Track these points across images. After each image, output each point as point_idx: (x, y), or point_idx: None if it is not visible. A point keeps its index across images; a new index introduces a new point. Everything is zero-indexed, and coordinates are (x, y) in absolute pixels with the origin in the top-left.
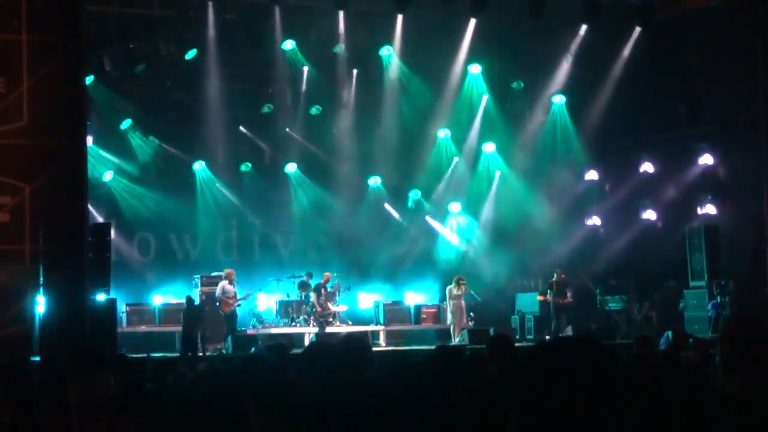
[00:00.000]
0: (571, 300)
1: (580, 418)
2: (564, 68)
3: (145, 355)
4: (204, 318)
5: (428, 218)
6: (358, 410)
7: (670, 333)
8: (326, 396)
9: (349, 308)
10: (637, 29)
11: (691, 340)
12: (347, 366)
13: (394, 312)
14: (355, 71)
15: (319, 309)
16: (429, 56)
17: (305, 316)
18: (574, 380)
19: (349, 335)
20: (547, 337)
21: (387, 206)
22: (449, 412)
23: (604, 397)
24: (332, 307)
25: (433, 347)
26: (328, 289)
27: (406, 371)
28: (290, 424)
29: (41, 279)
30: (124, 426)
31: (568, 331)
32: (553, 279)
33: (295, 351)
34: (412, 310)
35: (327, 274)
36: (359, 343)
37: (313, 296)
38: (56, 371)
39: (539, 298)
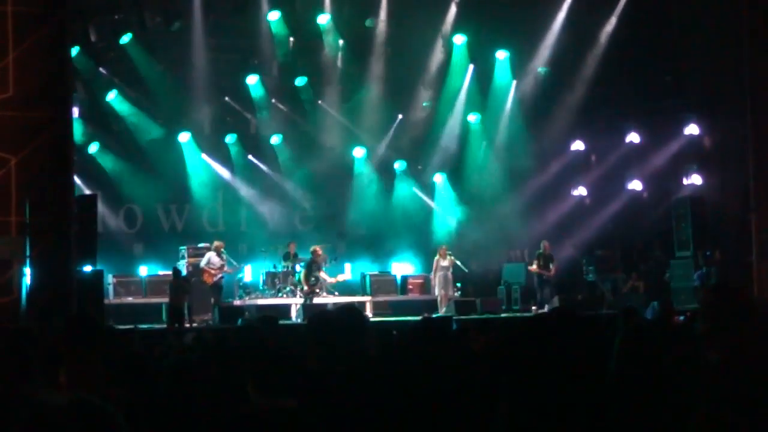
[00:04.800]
0: (553, 273)
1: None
2: (550, 38)
3: (132, 326)
4: (191, 289)
5: (415, 189)
6: (353, 383)
7: (656, 303)
8: (324, 367)
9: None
10: None
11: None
12: (345, 337)
13: (380, 283)
14: (341, 42)
15: (307, 288)
16: (415, 27)
17: (292, 287)
18: (560, 353)
19: (346, 306)
20: (534, 307)
21: (373, 177)
22: (437, 385)
23: (589, 369)
24: (329, 278)
25: (419, 318)
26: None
27: (392, 343)
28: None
29: (28, 251)
30: (117, 399)
31: (555, 302)
32: (541, 252)
33: (282, 322)
34: (399, 281)
35: (318, 249)
36: (356, 314)
37: (302, 272)
38: (43, 343)
39: (531, 268)
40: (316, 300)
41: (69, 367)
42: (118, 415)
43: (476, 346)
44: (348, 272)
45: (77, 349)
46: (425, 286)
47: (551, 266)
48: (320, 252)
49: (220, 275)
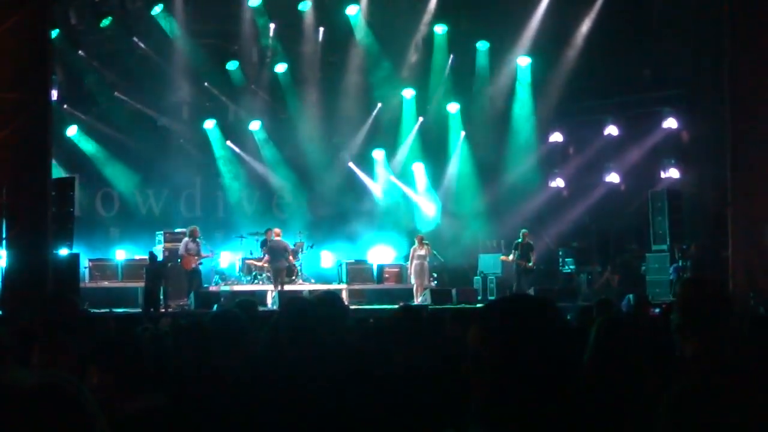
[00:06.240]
0: (533, 265)
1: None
2: (530, 30)
3: (107, 310)
4: (167, 274)
5: (392, 178)
6: (329, 368)
7: (631, 296)
8: (299, 352)
9: (312, 267)
10: None
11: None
12: (323, 321)
13: (356, 271)
14: (321, 30)
15: (266, 265)
16: (395, 15)
17: (268, 274)
18: (526, 334)
19: (325, 292)
20: None
21: (351, 165)
22: (413, 373)
23: (553, 353)
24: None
25: (395, 306)
26: (292, 248)
27: (369, 330)
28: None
29: (4, 233)
30: (93, 383)
31: (531, 293)
32: (519, 241)
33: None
34: (375, 270)
35: (276, 230)
36: (335, 299)
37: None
38: (18, 326)
39: (503, 258)
40: (293, 287)
41: (43, 349)
42: (90, 396)
43: (452, 335)
44: (323, 260)
45: (53, 332)
46: (401, 275)
47: (531, 256)
48: (279, 233)
49: (198, 261)
